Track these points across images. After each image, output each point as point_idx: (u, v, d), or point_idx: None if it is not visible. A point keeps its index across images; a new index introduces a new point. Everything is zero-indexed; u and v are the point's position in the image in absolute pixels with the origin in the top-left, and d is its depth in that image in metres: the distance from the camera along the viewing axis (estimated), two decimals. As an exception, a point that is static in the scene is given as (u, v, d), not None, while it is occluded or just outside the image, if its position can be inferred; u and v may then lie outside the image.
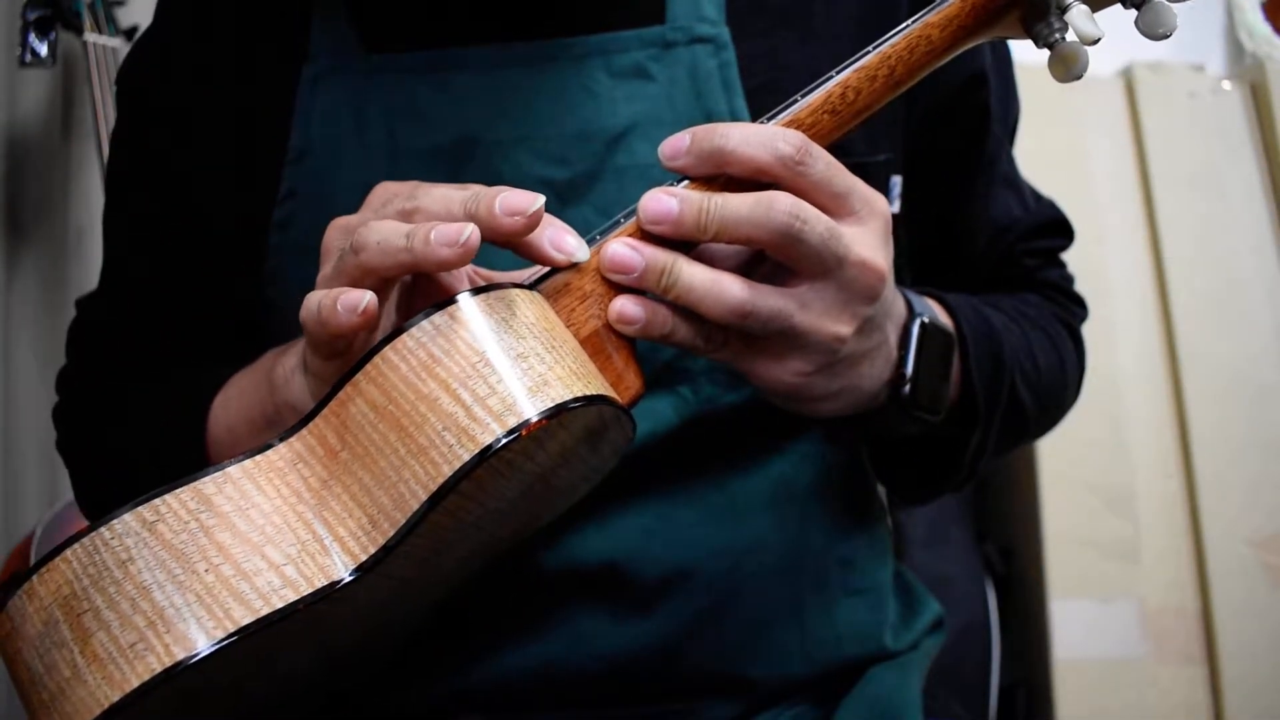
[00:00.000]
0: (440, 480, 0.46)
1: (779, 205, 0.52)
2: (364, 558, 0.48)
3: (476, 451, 0.46)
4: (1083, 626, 1.46)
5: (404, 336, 0.48)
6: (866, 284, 0.56)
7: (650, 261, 0.53)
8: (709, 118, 0.67)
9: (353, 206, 0.70)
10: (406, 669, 0.69)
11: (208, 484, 0.48)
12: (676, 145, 0.54)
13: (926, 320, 0.63)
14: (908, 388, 0.62)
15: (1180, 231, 1.60)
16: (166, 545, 0.47)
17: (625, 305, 0.54)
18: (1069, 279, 0.87)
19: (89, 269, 1.67)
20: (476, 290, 0.49)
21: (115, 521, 0.47)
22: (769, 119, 0.56)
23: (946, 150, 0.77)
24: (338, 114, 0.70)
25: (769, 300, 0.54)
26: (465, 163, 0.69)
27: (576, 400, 0.48)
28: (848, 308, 0.56)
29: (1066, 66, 0.57)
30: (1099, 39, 0.55)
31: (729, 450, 0.70)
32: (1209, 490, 1.48)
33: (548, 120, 0.68)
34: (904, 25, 0.58)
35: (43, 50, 1.51)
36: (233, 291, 0.74)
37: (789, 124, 0.56)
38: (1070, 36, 0.57)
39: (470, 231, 0.49)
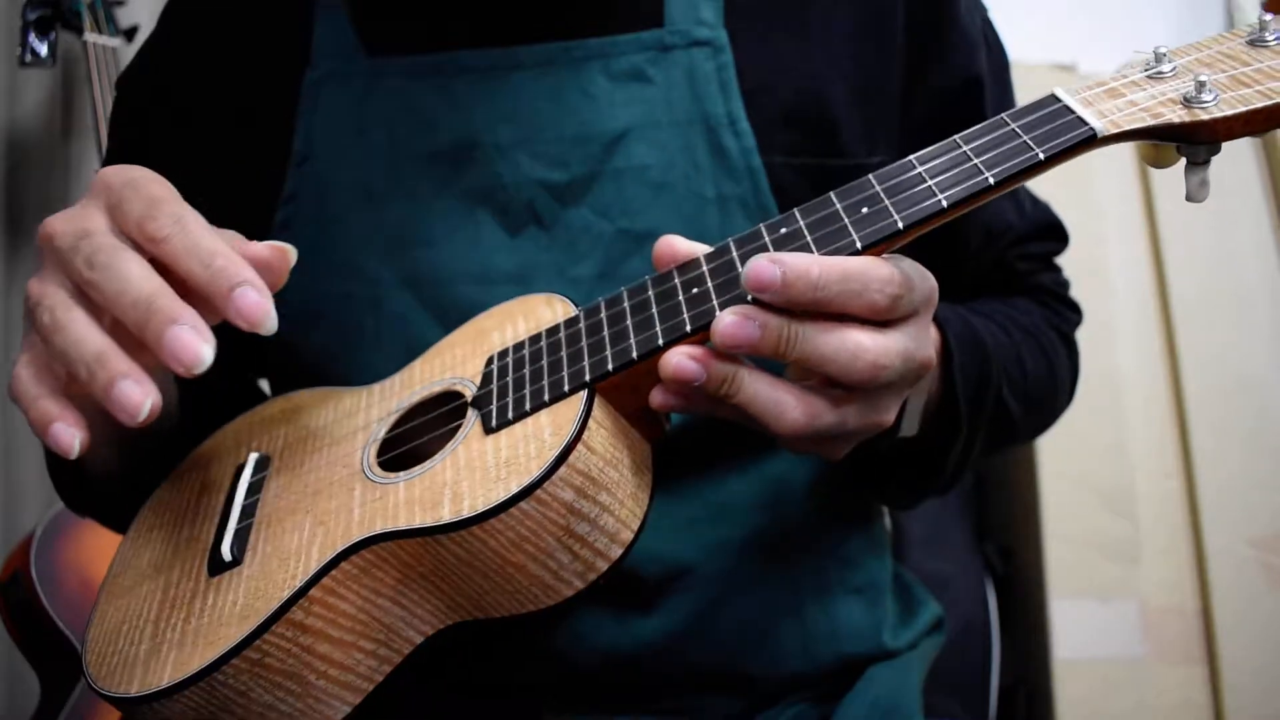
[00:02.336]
0: (522, 612, 0.54)
1: (864, 359, 0.51)
2: (442, 627, 0.56)
3: (560, 600, 0.54)
4: (1083, 626, 1.45)
5: (494, 522, 0.51)
6: (918, 377, 0.55)
7: (712, 374, 0.52)
8: (706, 120, 0.67)
9: (351, 209, 0.70)
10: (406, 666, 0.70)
11: (296, 612, 0.53)
12: (767, 280, 0.50)
13: None
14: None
15: (1180, 231, 1.59)
16: (277, 671, 0.52)
17: (666, 399, 0.54)
18: (1064, 284, 0.86)
19: (89, 269, 1.67)
20: (556, 463, 0.51)
21: (226, 666, 0.51)
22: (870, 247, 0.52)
23: None
24: (339, 117, 0.70)
25: (826, 418, 0.53)
26: (464, 165, 0.69)
27: (635, 539, 0.54)
28: (897, 399, 0.56)
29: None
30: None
31: (727, 449, 0.70)
32: (1209, 490, 1.47)
33: (547, 123, 0.68)
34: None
35: (43, 50, 1.51)
36: None
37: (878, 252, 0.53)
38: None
39: (148, 411, 0.48)
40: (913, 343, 0.53)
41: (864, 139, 0.71)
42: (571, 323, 0.58)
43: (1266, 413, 1.51)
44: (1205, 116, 0.49)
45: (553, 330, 0.58)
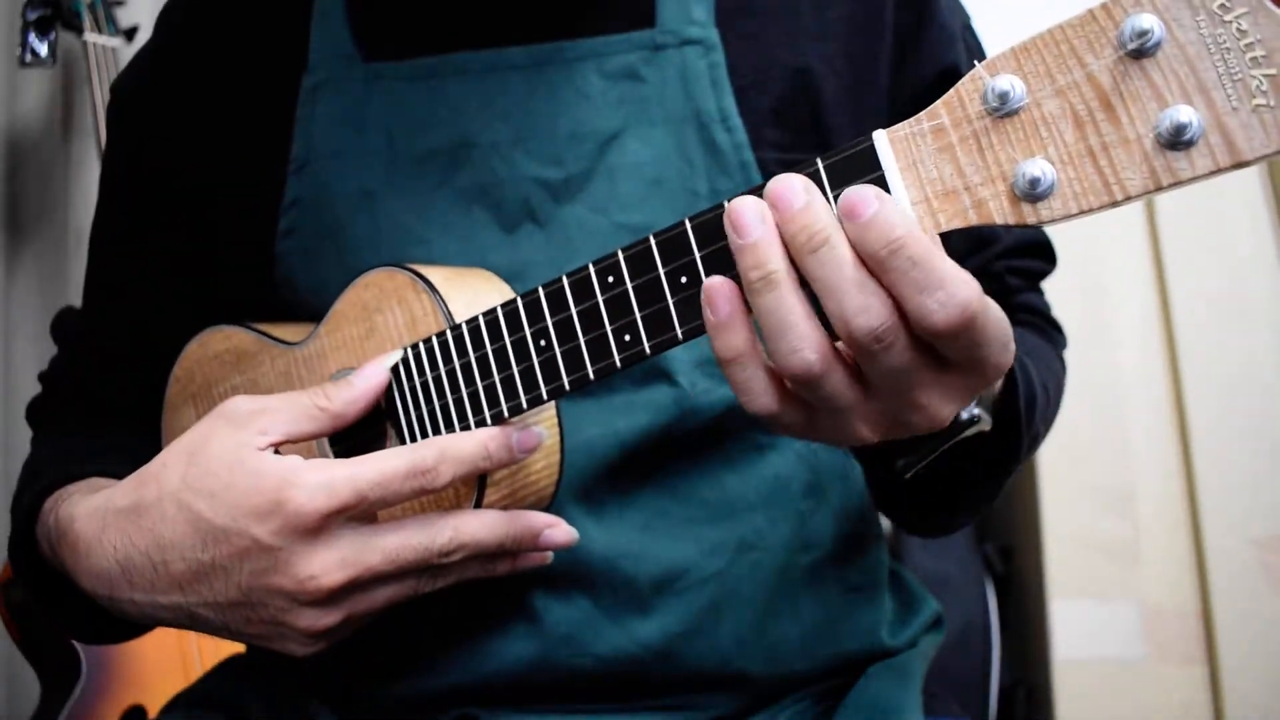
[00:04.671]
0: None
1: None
2: None
3: None
4: (1083, 626, 1.45)
5: None
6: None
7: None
8: (698, 117, 0.68)
9: (351, 212, 0.70)
10: (405, 661, 0.70)
11: None
12: None
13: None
14: (974, 415, 0.58)
15: (1180, 231, 1.59)
16: None
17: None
18: (1049, 307, 0.85)
19: (89, 269, 1.68)
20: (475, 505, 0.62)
21: None
22: None
23: None
24: (337, 122, 0.71)
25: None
26: (460, 164, 0.69)
27: (560, 477, 0.67)
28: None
29: None
30: None
31: (724, 446, 0.70)
32: (1209, 490, 1.47)
33: (541, 122, 0.69)
34: None
35: (43, 50, 1.51)
36: (239, 297, 0.75)
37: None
38: None
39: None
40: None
41: (853, 136, 0.70)
42: (446, 353, 0.61)
43: (1266, 413, 1.50)
44: (1033, 219, 0.44)
45: (442, 359, 0.62)
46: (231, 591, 0.58)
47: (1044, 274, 0.85)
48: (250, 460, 0.57)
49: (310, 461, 0.57)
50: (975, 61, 0.43)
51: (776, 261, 0.46)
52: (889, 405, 0.49)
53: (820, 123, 0.70)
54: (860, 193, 0.45)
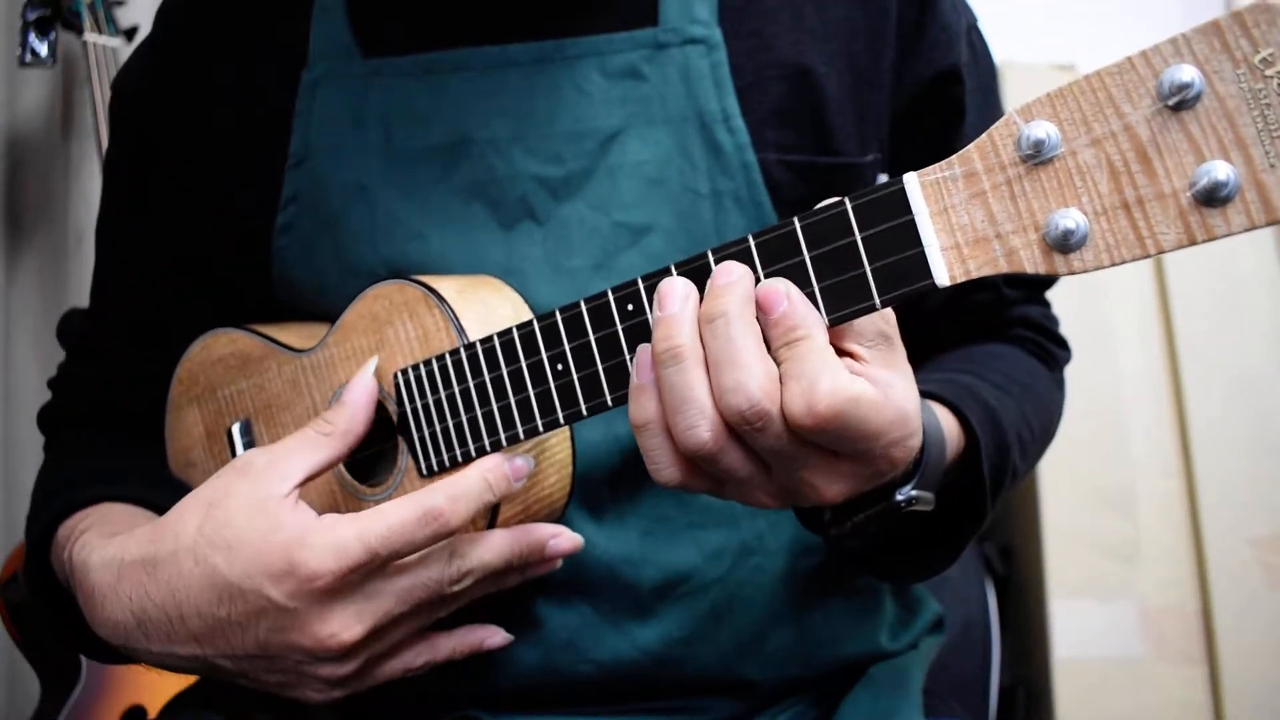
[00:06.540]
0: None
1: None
2: None
3: None
4: (1083, 626, 1.45)
5: None
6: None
7: None
8: (700, 117, 0.67)
9: (348, 207, 0.70)
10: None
11: None
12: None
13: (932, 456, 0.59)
14: (911, 497, 0.57)
15: (1180, 231, 1.59)
16: None
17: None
18: (1053, 319, 0.84)
19: (89, 269, 1.67)
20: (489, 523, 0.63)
21: None
22: None
23: (924, 151, 0.76)
24: (336, 117, 0.71)
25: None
26: (459, 160, 0.69)
27: (571, 490, 0.67)
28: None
29: None
30: None
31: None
32: (1209, 490, 1.47)
33: (542, 119, 0.68)
34: None
35: (43, 50, 1.51)
36: (239, 295, 0.75)
37: None
38: None
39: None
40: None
41: (856, 137, 0.71)
42: (460, 372, 0.61)
43: (1266, 413, 1.50)
44: (1064, 270, 0.43)
45: (456, 377, 0.62)
46: (249, 645, 0.59)
47: (1047, 283, 0.84)
48: (271, 510, 0.58)
49: (323, 519, 0.58)
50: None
51: (684, 338, 0.48)
52: (783, 480, 0.50)
53: (822, 123, 0.70)
54: (773, 290, 0.48)
